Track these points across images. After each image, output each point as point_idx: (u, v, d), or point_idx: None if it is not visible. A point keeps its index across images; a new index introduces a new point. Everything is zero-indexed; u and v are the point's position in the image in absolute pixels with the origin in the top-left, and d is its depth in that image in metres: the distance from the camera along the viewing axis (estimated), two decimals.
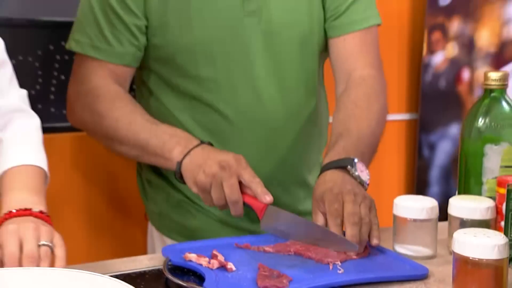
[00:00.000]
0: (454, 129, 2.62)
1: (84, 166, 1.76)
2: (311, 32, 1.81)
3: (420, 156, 2.58)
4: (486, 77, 1.53)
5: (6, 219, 1.26)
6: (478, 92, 2.63)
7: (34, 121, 1.49)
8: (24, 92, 1.51)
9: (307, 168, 1.89)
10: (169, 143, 1.61)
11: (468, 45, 2.62)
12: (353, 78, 1.79)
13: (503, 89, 1.52)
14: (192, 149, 1.58)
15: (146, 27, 1.72)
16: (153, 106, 1.79)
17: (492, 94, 1.52)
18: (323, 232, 1.42)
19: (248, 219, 1.72)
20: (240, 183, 1.49)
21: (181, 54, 1.72)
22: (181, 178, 1.58)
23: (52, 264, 1.22)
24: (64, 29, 1.97)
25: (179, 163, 1.57)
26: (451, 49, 2.59)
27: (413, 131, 2.57)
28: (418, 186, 2.59)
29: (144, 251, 1.97)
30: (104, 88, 1.69)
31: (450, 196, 1.59)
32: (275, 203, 1.56)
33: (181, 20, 1.71)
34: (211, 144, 1.62)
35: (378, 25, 1.85)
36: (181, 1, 1.71)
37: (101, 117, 1.67)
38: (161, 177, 1.80)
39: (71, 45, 1.73)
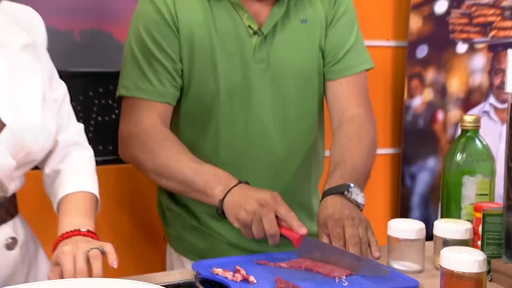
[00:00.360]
0: (431, 162, 2.64)
1: (112, 195, 1.80)
2: (312, 77, 1.83)
3: (403, 185, 2.59)
4: (462, 120, 1.58)
5: (60, 240, 1.30)
6: (450, 130, 2.65)
7: (88, 153, 1.52)
8: (81, 127, 1.53)
9: (307, 193, 1.90)
10: (211, 182, 1.61)
11: (441, 91, 2.63)
12: (346, 116, 1.80)
13: (476, 129, 1.57)
14: (232, 188, 1.57)
15: (182, 70, 1.74)
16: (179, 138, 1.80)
17: (468, 134, 1.57)
18: (357, 259, 1.41)
19: (253, 242, 1.70)
20: (276, 217, 1.50)
21: (204, 95, 1.74)
22: (222, 214, 1.58)
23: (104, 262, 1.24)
24: (99, 78, 2.06)
25: (221, 201, 1.57)
26: (427, 94, 2.61)
27: (397, 164, 2.59)
28: (401, 211, 2.59)
29: (162, 269, 1.96)
30: (154, 129, 1.70)
31: (430, 220, 1.63)
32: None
33: (205, 68, 1.73)
34: (247, 183, 1.61)
35: (370, 68, 1.87)
36: (205, 52, 1.72)
37: (152, 155, 1.68)
38: (179, 205, 1.81)
39: (120, 91, 1.76)
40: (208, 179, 1.61)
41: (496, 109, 2.65)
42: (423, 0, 2.53)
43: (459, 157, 1.56)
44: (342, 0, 1.86)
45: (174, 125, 1.80)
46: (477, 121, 1.58)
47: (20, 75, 1.36)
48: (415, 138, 2.60)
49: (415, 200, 2.61)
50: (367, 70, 1.86)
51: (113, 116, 2.16)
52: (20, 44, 1.37)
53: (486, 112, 2.63)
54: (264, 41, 1.75)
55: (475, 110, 2.62)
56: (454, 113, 2.62)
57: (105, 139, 1.69)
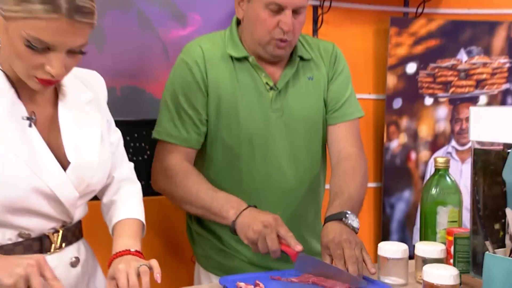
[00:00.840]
0: (407, 194, 2.63)
1: (147, 222, 1.82)
2: (317, 122, 1.85)
3: (384, 213, 2.57)
4: (435, 161, 1.60)
5: (114, 258, 1.32)
6: (422, 168, 2.62)
7: (137, 187, 1.54)
8: (131, 165, 1.56)
9: (313, 216, 1.90)
10: (225, 206, 1.63)
11: (413, 136, 2.63)
12: (343, 154, 1.82)
13: (446, 169, 1.60)
14: (242, 211, 1.60)
15: (206, 120, 1.76)
16: (205, 174, 1.79)
17: (440, 172, 1.60)
18: (337, 271, 1.43)
19: (268, 260, 1.70)
20: (278, 235, 1.52)
21: (229, 139, 1.76)
22: (234, 232, 1.60)
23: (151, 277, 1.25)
24: (134, 125, 2.08)
25: (234, 222, 1.59)
26: (402, 138, 2.60)
27: (379, 195, 2.58)
28: (383, 234, 2.56)
29: (189, 285, 1.91)
30: (178, 166, 1.72)
31: (406, 241, 1.66)
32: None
33: (229, 117, 1.75)
34: (255, 207, 1.63)
35: (362, 116, 1.89)
36: (229, 104, 1.74)
37: (177, 187, 1.70)
38: (207, 230, 1.81)
39: (154, 134, 1.78)
40: (223, 204, 1.63)
41: (457, 150, 2.66)
42: (397, 62, 2.52)
43: (433, 191, 1.59)
44: (340, 62, 1.88)
45: (201, 162, 1.80)
46: (447, 162, 1.61)
47: (84, 123, 1.39)
48: (393, 174, 2.60)
49: (394, 225, 2.61)
50: (359, 117, 1.88)
51: (145, 156, 2.16)
52: (85, 99, 1.41)
53: (449, 153, 2.65)
54: (279, 95, 1.77)
55: (440, 152, 2.65)
56: (424, 153, 2.64)
57: (140, 175, 1.74)
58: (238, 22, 1.81)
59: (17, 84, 1.26)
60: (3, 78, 1.25)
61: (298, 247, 1.49)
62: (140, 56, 2.24)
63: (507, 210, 1.20)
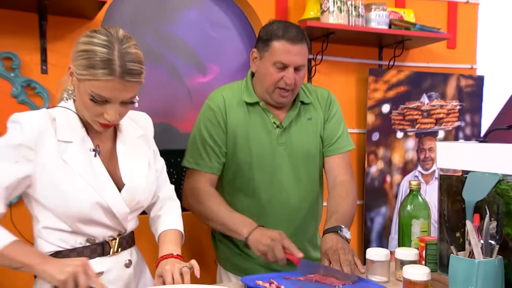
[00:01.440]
0: (383, 210, 2.60)
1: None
2: (315, 154, 1.82)
3: (365, 225, 2.55)
4: (410, 184, 1.58)
5: (160, 260, 1.33)
6: (395, 188, 2.62)
7: (177, 204, 1.54)
8: (172, 187, 1.56)
9: (313, 231, 1.87)
10: (240, 225, 1.63)
11: (388, 162, 2.61)
12: (337, 180, 1.80)
13: (418, 189, 1.59)
14: (253, 229, 1.60)
15: (226, 152, 1.75)
16: (223, 195, 1.77)
17: (414, 193, 1.58)
18: (335, 271, 1.44)
19: (276, 264, 1.66)
20: (283, 247, 1.52)
21: (242, 167, 1.74)
22: (247, 246, 1.61)
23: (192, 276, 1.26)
24: (166, 154, 2.00)
25: (246, 238, 1.59)
26: (380, 164, 2.58)
27: (361, 211, 2.54)
28: (364, 243, 2.54)
29: (212, 283, 1.84)
30: (203, 188, 1.72)
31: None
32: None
33: (244, 149, 1.74)
34: (263, 226, 1.63)
35: (352, 149, 1.85)
36: (244, 139, 1.74)
37: (201, 205, 1.70)
38: (226, 237, 1.78)
39: (185, 163, 1.77)
40: (238, 223, 1.63)
41: (422, 174, 2.67)
42: (374, 103, 2.54)
43: (409, 207, 1.58)
44: (334, 106, 1.86)
45: (220, 185, 1.79)
46: (419, 184, 1.59)
47: (135, 154, 1.42)
48: (372, 193, 2.57)
49: (374, 235, 2.57)
50: (350, 150, 1.85)
51: (173, 179, 2.17)
52: (136, 135, 1.44)
53: (416, 176, 2.66)
54: (284, 132, 1.76)
55: (409, 175, 2.64)
56: (396, 177, 2.62)
57: None
58: (252, 74, 1.81)
59: (87, 124, 1.31)
60: (77, 120, 1.31)
61: (300, 255, 1.50)
62: (170, 99, 2.28)
63: (467, 222, 1.20)
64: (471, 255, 1.19)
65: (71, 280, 1.14)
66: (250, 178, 1.75)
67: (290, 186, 1.77)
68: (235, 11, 2.39)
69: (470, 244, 1.19)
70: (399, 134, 2.63)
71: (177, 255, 1.35)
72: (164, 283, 1.26)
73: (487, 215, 1.20)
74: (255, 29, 2.40)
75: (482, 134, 2.81)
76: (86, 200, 1.26)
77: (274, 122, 1.75)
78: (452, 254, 1.22)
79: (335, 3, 2.18)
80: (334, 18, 2.19)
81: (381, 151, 2.59)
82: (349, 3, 2.24)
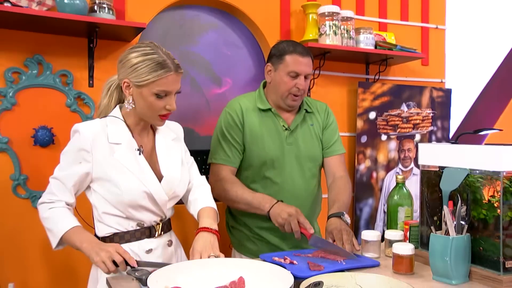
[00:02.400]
0: (370, 201, 2.63)
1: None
2: (316, 154, 1.89)
3: (355, 214, 2.58)
4: (397, 178, 1.67)
5: (199, 231, 1.40)
6: (380, 183, 2.66)
7: (209, 189, 1.61)
8: (203, 177, 1.63)
9: (313, 218, 1.93)
10: (262, 202, 1.70)
11: (374, 161, 2.63)
12: (336, 176, 1.87)
13: (403, 182, 1.68)
14: (274, 204, 1.67)
15: (243, 150, 1.82)
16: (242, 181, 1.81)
17: (399, 185, 1.67)
18: (337, 247, 1.52)
19: (285, 245, 1.79)
20: (298, 222, 1.60)
21: (258, 161, 1.81)
22: (269, 218, 1.66)
23: None
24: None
25: (268, 212, 1.67)
26: (367, 163, 2.62)
27: (352, 202, 2.50)
28: (354, 230, 2.54)
29: None
30: (227, 178, 1.78)
31: None
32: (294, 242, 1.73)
33: (258, 147, 1.81)
34: (282, 201, 1.69)
35: (344, 153, 1.94)
36: (258, 139, 1.80)
37: (227, 192, 1.77)
38: (240, 224, 1.85)
39: (211, 160, 1.83)
40: (260, 201, 1.71)
41: (402, 171, 2.73)
42: (363, 111, 2.58)
43: (395, 197, 1.67)
44: (330, 117, 1.95)
45: (239, 176, 1.85)
46: (404, 178, 1.69)
47: (171, 152, 1.50)
48: (361, 187, 2.61)
49: (362, 223, 2.63)
50: (344, 153, 1.94)
51: None
52: (171, 137, 1.53)
53: (397, 173, 2.71)
54: (291, 134, 1.84)
55: (391, 172, 2.69)
56: (381, 173, 2.67)
57: None
58: (264, 85, 1.88)
59: (132, 129, 1.43)
60: (124, 126, 1.42)
61: (311, 231, 1.59)
62: (191, 107, 2.35)
63: (444, 207, 1.32)
64: (447, 233, 1.31)
65: (107, 260, 1.25)
66: (262, 170, 1.82)
67: (297, 178, 1.84)
68: (245, 33, 2.47)
69: (446, 224, 1.32)
70: (383, 137, 2.70)
71: (214, 230, 1.41)
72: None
73: (459, 202, 1.33)
74: (262, 48, 2.50)
75: (450, 137, 2.91)
76: (135, 190, 1.36)
77: (283, 125, 1.83)
78: (432, 233, 1.34)
79: (331, 27, 2.29)
80: (330, 40, 2.30)
81: (368, 151, 2.65)
82: (342, 27, 2.36)
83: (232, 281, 1.13)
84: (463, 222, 1.32)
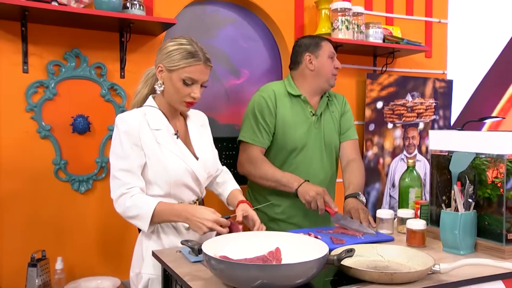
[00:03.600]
0: (377, 185, 2.73)
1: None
2: (336, 140, 2.00)
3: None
4: (408, 162, 1.75)
5: (241, 202, 1.53)
6: (386, 168, 2.75)
7: (230, 174, 1.73)
8: (224, 167, 1.74)
9: (331, 196, 2.00)
10: (291, 179, 1.79)
11: (381, 148, 2.74)
12: (350, 159, 1.97)
13: (414, 166, 1.76)
14: (301, 183, 1.77)
15: (274, 132, 1.90)
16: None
17: (410, 168, 1.76)
18: (357, 224, 1.61)
19: (303, 224, 1.88)
20: (323, 200, 1.69)
21: (288, 143, 1.90)
22: (296, 196, 1.74)
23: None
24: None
25: (296, 190, 1.76)
26: (375, 149, 2.72)
27: None
28: None
29: None
30: (257, 156, 1.87)
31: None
32: (311, 219, 1.84)
33: (289, 129, 1.90)
34: (308, 181, 1.79)
35: (357, 138, 2.04)
36: (289, 123, 1.89)
37: (258, 169, 1.86)
38: (261, 212, 1.84)
39: (240, 138, 1.91)
40: (289, 179, 1.80)
41: (406, 157, 2.83)
42: (371, 101, 2.69)
43: (407, 179, 1.76)
44: (346, 107, 2.07)
45: (268, 157, 1.93)
46: (414, 162, 1.77)
47: (202, 137, 1.61)
48: (369, 173, 2.63)
49: (369, 206, 2.71)
50: (357, 139, 2.05)
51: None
52: (200, 124, 1.63)
53: (402, 159, 2.82)
54: (318, 119, 1.95)
55: (397, 158, 2.80)
56: (387, 159, 2.78)
57: None
58: (291, 76, 1.98)
59: (168, 116, 1.53)
60: (160, 113, 1.52)
61: (336, 209, 1.69)
62: (211, 97, 2.44)
63: (454, 187, 1.44)
64: (456, 209, 1.45)
65: (209, 229, 1.35)
66: (291, 151, 1.92)
67: (319, 161, 1.95)
68: (261, 27, 2.58)
69: (455, 202, 1.45)
70: (390, 125, 2.80)
71: (246, 201, 1.57)
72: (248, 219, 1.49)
73: (467, 182, 1.46)
74: (277, 41, 2.61)
75: (452, 124, 3.04)
76: (179, 168, 1.47)
77: (310, 111, 1.94)
78: (442, 210, 1.47)
79: (343, 22, 2.42)
80: (343, 34, 2.42)
81: (375, 139, 2.75)
82: (353, 22, 2.50)
83: (270, 251, 1.25)
84: (470, 200, 1.46)
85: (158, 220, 1.42)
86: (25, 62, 1.91)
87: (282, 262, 1.18)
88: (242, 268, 1.07)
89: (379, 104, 2.77)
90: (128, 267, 1.55)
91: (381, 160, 2.79)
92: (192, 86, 1.46)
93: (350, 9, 2.44)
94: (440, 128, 2.98)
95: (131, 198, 1.41)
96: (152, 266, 1.46)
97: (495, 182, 1.48)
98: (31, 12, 1.79)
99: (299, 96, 1.95)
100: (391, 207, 2.75)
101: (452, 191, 1.48)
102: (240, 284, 1.09)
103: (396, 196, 2.81)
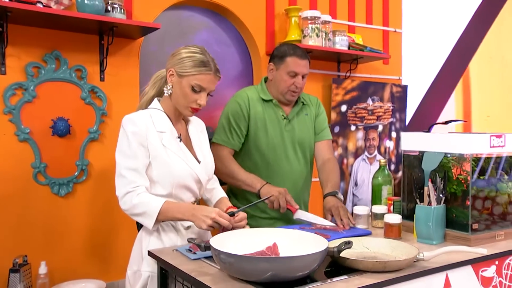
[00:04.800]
0: (342, 184, 2.81)
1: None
2: (309, 140, 2.04)
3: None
4: (380, 162, 1.84)
5: (230, 208, 1.55)
6: (349, 168, 2.87)
7: (218, 181, 1.76)
8: (214, 175, 1.72)
9: (307, 196, 2.09)
10: (254, 181, 1.85)
11: (345, 149, 2.80)
12: (325, 159, 2.02)
13: (385, 165, 1.86)
14: (264, 185, 1.82)
15: (246, 134, 1.94)
16: (242, 164, 1.92)
17: (382, 167, 1.86)
18: (319, 219, 1.68)
19: (279, 221, 1.91)
20: (286, 199, 1.74)
21: (261, 145, 1.93)
22: (258, 196, 1.80)
23: None
24: None
25: (259, 190, 1.81)
26: (339, 150, 2.74)
27: None
28: None
29: None
30: (226, 156, 1.90)
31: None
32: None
33: (261, 133, 1.93)
34: (269, 183, 1.83)
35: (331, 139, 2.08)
36: (262, 126, 1.92)
37: (226, 167, 1.89)
38: (242, 204, 1.81)
39: (213, 140, 1.92)
40: (253, 180, 1.86)
41: (368, 157, 2.98)
42: (336, 104, 2.82)
43: (379, 178, 1.86)
44: (321, 107, 2.12)
45: (238, 157, 1.96)
46: (386, 162, 1.88)
47: (202, 141, 1.65)
48: None
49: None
50: (331, 139, 2.08)
51: None
52: (199, 129, 1.67)
53: (364, 159, 2.96)
54: (289, 122, 1.99)
55: (359, 159, 2.93)
56: (350, 160, 2.91)
57: None
58: (265, 80, 2.02)
59: (172, 119, 1.56)
60: (165, 115, 1.55)
61: (296, 206, 1.76)
62: None
63: (429, 183, 1.57)
64: (429, 204, 1.58)
65: (213, 224, 1.39)
66: (265, 153, 1.96)
67: (293, 161, 2.00)
68: (234, 32, 2.66)
69: (429, 197, 1.59)
70: (353, 128, 2.95)
71: (234, 206, 1.61)
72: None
73: (438, 179, 1.60)
74: (248, 47, 2.69)
75: (406, 126, 3.23)
76: (183, 170, 1.51)
77: (282, 115, 1.98)
78: (417, 205, 1.60)
79: (314, 30, 2.55)
80: (313, 41, 2.55)
81: (340, 140, 2.87)
82: (322, 29, 2.64)
83: (268, 246, 1.31)
84: (441, 195, 1.60)
85: (163, 218, 1.46)
86: (2, 64, 1.87)
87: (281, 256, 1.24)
88: (253, 261, 1.13)
89: (343, 108, 2.90)
90: (113, 269, 1.59)
91: (345, 161, 2.92)
92: (200, 94, 1.50)
93: (319, 18, 2.56)
94: (396, 130, 3.16)
95: (138, 196, 1.44)
96: (152, 263, 1.49)
97: (460, 179, 1.63)
98: (14, 13, 1.75)
99: (270, 100, 1.99)
100: (354, 205, 2.88)
101: (426, 187, 1.61)
102: (249, 276, 1.15)
103: (359, 194, 2.98)
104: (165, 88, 1.55)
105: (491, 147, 1.65)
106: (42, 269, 1.81)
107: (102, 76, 2.11)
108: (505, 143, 1.70)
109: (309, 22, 2.55)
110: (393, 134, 3.18)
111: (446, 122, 1.87)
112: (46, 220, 1.98)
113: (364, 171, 3.01)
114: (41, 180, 1.97)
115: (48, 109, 1.98)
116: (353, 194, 2.97)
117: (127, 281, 1.56)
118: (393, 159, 3.19)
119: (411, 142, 1.77)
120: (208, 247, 1.26)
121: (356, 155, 2.99)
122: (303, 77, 1.96)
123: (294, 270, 1.14)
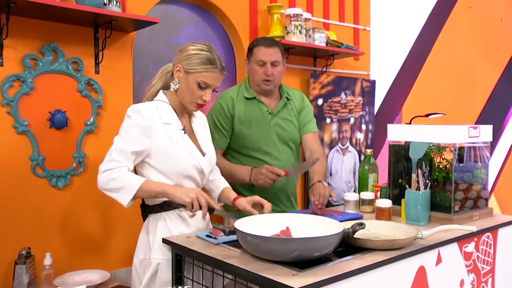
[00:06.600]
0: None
1: None
2: (295, 133, 2.12)
3: (306, 186, 2.24)
4: (366, 152, 1.99)
5: (237, 198, 1.66)
6: (325, 159, 3.11)
7: (220, 172, 1.82)
8: (216, 166, 1.78)
9: (293, 187, 2.17)
10: (242, 174, 1.94)
11: (322, 141, 2.90)
12: (313, 150, 2.11)
13: (371, 155, 2.03)
14: (251, 173, 1.92)
15: (231, 134, 2.01)
16: (230, 159, 2.01)
17: (368, 157, 2.03)
18: (308, 165, 1.84)
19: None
20: (272, 171, 1.82)
21: (247, 142, 2.01)
22: (252, 185, 1.90)
23: None
24: None
25: (249, 180, 1.92)
26: None
27: (304, 175, 2.73)
28: (307, 198, 2.21)
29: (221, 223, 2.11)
30: (217, 158, 1.83)
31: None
32: (281, 207, 1.97)
33: (246, 131, 2.01)
34: (255, 167, 1.90)
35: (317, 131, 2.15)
36: (246, 124, 2.00)
37: (221, 169, 1.88)
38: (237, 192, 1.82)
39: None
40: (244, 173, 1.94)
41: (341, 148, 3.11)
42: (313, 98, 2.90)
43: (366, 167, 2.02)
44: (305, 101, 2.20)
45: (233, 153, 2.05)
46: (371, 152, 2.02)
47: (204, 133, 1.71)
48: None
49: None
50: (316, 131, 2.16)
51: None
52: (202, 122, 1.73)
53: (337, 150, 3.09)
54: (274, 117, 2.06)
55: (333, 150, 3.06)
56: (326, 151, 3.01)
57: None
58: (248, 79, 2.08)
59: (177, 112, 1.61)
60: (171, 108, 1.60)
61: (283, 173, 1.85)
62: None
63: (417, 170, 1.71)
64: (417, 189, 1.74)
65: (195, 201, 1.43)
66: (251, 148, 2.04)
67: (279, 153, 2.08)
68: (218, 28, 2.71)
69: (417, 182, 1.74)
70: (328, 120, 3.08)
71: (240, 195, 1.71)
72: (262, 206, 1.62)
73: (423, 166, 1.76)
74: (232, 42, 2.75)
75: (375, 114, 3.39)
76: (188, 161, 1.56)
77: (267, 110, 2.06)
78: (406, 190, 1.75)
79: (296, 27, 2.66)
80: (296, 38, 2.66)
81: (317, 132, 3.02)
82: (304, 26, 2.75)
83: (282, 230, 1.42)
84: (427, 181, 1.78)
85: (140, 194, 1.46)
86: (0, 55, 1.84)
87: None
88: (282, 242, 1.23)
89: (320, 101, 3.03)
90: (114, 260, 1.61)
91: None
92: (205, 90, 1.56)
93: (301, 15, 2.68)
94: (366, 122, 3.34)
95: (117, 172, 1.44)
96: (161, 251, 1.54)
97: (440, 167, 1.80)
98: (17, 5, 1.72)
99: (254, 97, 2.06)
100: None
101: (414, 174, 1.77)
102: (277, 256, 1.25)
103: (333, 183, 3.12)
104: (172, 83, 1.59)
105: (469, 137, 1.84)
106: (47, 260, 1.81)
107: (97, 69, 2.10)
108: (480, 133, 1.89)
109: (292, 19, 2.65)
110: (363, 127, 3.34)
111: (427, 115, 2.05)
112: (45, 213, 1.97)
113: (338, 161, 3.15)
114: (39, 173, 1.96)
115: (46, 102, 1.96)
116: (328, 183, 3.09)
117: (134, 269, 1.60)
118: (363, 150, 3.35)
119: (397, 133, 1.92)
120: (232, 231, 1.35)
121: (331, 146, 3.12)
122: (273, 65, 1.99)
123: (318, 249, 1.26)
